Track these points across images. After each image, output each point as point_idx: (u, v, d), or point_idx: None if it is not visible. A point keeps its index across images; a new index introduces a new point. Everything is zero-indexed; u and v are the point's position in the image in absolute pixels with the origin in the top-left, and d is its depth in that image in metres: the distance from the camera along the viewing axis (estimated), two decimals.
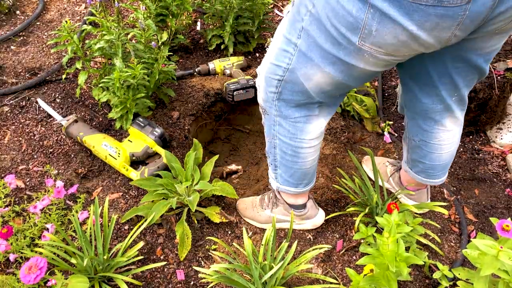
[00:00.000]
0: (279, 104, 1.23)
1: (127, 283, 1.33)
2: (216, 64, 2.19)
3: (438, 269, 1.42)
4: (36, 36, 2.44)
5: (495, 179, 1.88)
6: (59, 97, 2.04)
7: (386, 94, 2.29)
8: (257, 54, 2.40)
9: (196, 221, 1.59)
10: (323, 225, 1.60)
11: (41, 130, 1.90)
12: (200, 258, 1.51)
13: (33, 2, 2.72)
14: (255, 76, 2.18)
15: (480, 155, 2.00)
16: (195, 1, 2.38)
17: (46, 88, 2.09)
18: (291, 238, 1.56)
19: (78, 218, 1.43)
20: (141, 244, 1.43)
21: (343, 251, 1.54)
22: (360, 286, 1.18)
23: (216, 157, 1.71)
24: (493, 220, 1.13)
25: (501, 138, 2.03)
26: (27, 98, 2.03)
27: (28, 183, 1.70)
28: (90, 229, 1.40)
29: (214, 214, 1.56)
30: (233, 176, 1.97)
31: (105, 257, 1.34)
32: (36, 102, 2.00)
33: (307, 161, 1.35)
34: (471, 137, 2.08)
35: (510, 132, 2.03)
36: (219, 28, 2.29)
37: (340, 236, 1.58)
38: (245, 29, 2.27)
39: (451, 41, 0.94)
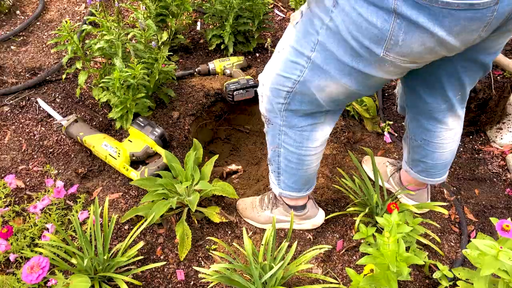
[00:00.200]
0: (287, 114, 1.20)
1: (127, 283, 1.33)
2: (216, 64, 2.19)
3: (438, 269, 1.42)
4: (36, 36, 2.44)
5: (495, 179, 1.88)
6: (59, 97, 2.04)
7: (386, 94, 2.29)
8: (257, 54, 2.40)
9: (196, 221, 1.59)
10: (323, 225, 1.60)
11: (41, 130, 1.90)
12: (200, 258, 1.51)
13: (33, 2, 2.72)
14: (255, 76, 2.18)
15: (480, 155, 2.00)
16: (195, 1, 2.38)
17: (46, 88, 2.09)
18: (291, 238, 1.56)
19: (78, 218, 1.43)
20: (141, 244, 1.43)
21: (343, 251, 1.54)
22: (360, 286, 1.18)
23: (216, 157, 1.71)
24: (493, 220, 1.13)
25: (501, 138, 2.03)
26: (27, 98, 2.03)
27: (28, 183, 1.70)
28: (90, 229, 1.40)
29: (214, 214, 1.55)
30: (233, 176, 1.97)
31: (105, 257, 1.34)
32: (36, 102, 2.00)
33: (311, 167, 1.35)
34: (471, 137, 2.08)
35: (510, 132, 2.03)
36: (219, 28, 2.29)
37: (340, 236, 1.58)
38: (245, 29, 2.27)
39: (476, 42, 0.94)
